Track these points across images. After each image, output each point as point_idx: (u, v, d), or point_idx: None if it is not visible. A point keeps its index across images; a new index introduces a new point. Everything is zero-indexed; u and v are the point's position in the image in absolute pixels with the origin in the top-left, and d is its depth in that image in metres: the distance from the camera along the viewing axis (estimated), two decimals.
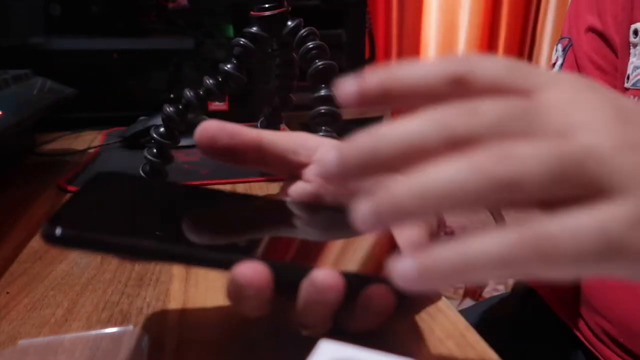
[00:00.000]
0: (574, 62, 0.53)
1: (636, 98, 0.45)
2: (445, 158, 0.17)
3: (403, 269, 0.17)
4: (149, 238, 0.23)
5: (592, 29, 0.52)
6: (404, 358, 0.18)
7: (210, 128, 0.28)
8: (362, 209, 0.18)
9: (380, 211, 0.17)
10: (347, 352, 0.18)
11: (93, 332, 0.28)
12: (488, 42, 1.66)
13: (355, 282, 0.23)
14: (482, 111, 0.17)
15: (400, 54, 1.66)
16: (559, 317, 0.56)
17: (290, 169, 0.31)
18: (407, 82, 0.19)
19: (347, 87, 0.19)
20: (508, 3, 1.61)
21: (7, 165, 0.60)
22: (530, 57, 1.71)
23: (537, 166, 0.16)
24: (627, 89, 0.47)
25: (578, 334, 0.53)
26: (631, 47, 0.47)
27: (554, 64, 0.56)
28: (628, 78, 0.47)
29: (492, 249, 0.17)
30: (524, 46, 1.69)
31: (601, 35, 0.51)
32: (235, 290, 0.22)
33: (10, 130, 0.48)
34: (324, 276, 0.22)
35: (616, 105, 0.19)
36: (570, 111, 0.18)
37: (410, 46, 1.65)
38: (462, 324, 0.29)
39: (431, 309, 0.31)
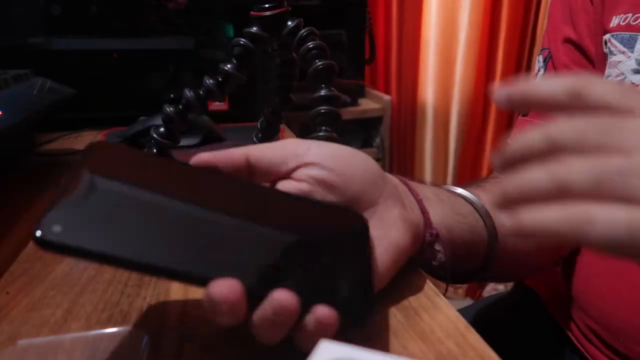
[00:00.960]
0: (553, 73, 0.54)
1: None
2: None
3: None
4: (128, 253, 0.23)
5: (568, 40, 0.53)
6: (404, 358, 0.18)
7: (202, 160, 0.30)
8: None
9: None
10: (347, 352, 0.18)
11: (93, 332, 0.28)
12: (488, 42, 1.66)
13: (308, 299, 0.24)
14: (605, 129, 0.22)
15: (400, 54, 1.66)
16: (553, 318, 0.56)
17: (282, 178, 0.32)
18: (539, 94, 0.24)
19: (501, 93, 0.25)
20: (508, 3, 1.61)
21: (8, 165, 0.60)
22: (530, 57, 1.71)
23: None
24: None
25: (570, 334, 0.53)
26: (605, 58, 0.48)
27: (536, 74, 0.57)
28: None
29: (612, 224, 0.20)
30: (524, 46, 1.69)
31: (577, 46, 0.52)
32: (211, 306, 0.23)
33: (10, 130, 0.48)
34: (280, 298, 0.23)
35: None
36: None
37: (410, 46, 1.65)
38: (462, 324, 0.29)
39: (431, 308, 0.31)
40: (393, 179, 0.34)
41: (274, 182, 0.32)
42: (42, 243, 0.22)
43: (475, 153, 1.79)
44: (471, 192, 0.43)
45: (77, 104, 0.67)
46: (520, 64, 1.72)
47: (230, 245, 0.26)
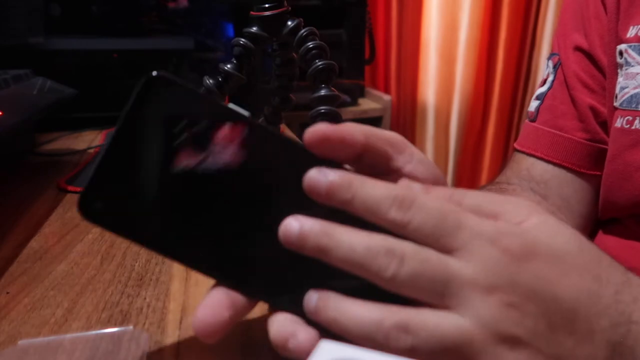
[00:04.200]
0: (563, 80, 0.53)
1: (624, 118, 0.45)
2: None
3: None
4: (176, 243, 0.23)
5: (579, 48, 0.51)
6: (404, 358, 0.18)
7: (317, 135, 0.25)
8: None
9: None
10: (347, 352, 0.18)
11: (93, 332, 0.28)
12: (488, 42, 1.66)
13: None
14: (403, 268, 0.22)
15: (400, 54, 1.66)
16: None
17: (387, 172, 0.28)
18: (363, 204, 0.23)
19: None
20: (508, 3, 1.61)
21: (7, 165, 0.60)
22: (530, 57, 1.71)
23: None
24: (616, 108, 0.47)
25: None
26: (618, 68, 0.47)
27: (545, 79, 0.55)
28: (616, 97, 0.46)
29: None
30: (524, 46, 1.69)
31: (588, 55, 0.51)
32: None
33: (10, 130, 0.48)
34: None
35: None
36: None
37: (410, 46, 1.65)
38: None
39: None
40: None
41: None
42: (86, 214, 0.22)
43: (475, 153, 1.79)
44: None
45: (77, 104, 0.67)
46: (520, 64, 1.72)
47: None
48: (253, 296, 0.24)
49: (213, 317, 0.23)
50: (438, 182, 0.27)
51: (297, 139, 0.25)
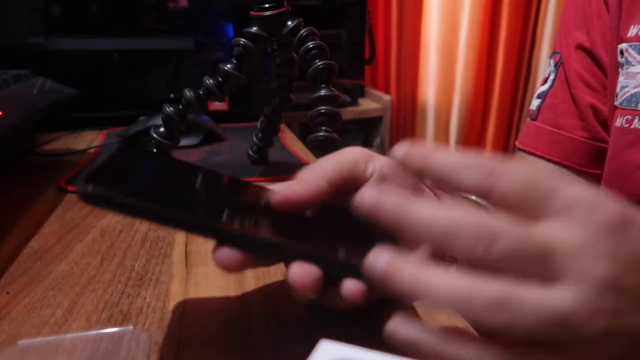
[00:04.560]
0: (564, 79, 0.53)
1: (624, 117, 0.45)
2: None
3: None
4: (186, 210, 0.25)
5: (580, 47, 0.51)
6: (404, 358, 0.18)
7: (282, 200, 0.28)
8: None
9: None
10: (347, 352, 0.18)
11: (93, 332, 0.28)
12: (488, 42, 1.66)
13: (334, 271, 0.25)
14: (495, 248, 0.21)
15: (400, 54, 1.66)
16: None
17: (359, 179, 0.30)
18: (439, 169, 0.23)
19: (398, 151, 0.23)
20: (508, 3, 1.61)
21: (7, 165, 0.60)
22: (530, 57, 1.71)
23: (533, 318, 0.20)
24: (616, 108, 0.46)
25: None
26: (619, 67, 0.47)
27: (547, 78, 0.55)
28: (617, 97, 0.46)
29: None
30: (524, 46, 1.69)
31: (590, 54, 0.51)
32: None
33: (10, 130, 0.48)
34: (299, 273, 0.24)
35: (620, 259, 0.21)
36: (571, 263, 0.21)
37: (410, 46, 1.65)
38: (462, 323, 0.29)
39: (431, 308, 0.31)
40: (426, 190, 0.34)
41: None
42: (84, 194, 0.23)
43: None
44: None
45: (77, 104, 0.67)
46: (520, 64, 1.72)
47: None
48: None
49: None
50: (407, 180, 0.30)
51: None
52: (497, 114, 1.74)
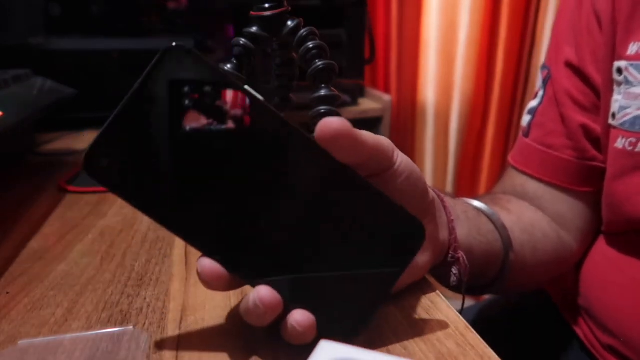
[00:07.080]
0: (553, 96, 0.51)
1: (627, 139, 0.44)
2: None
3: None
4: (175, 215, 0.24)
5: (569, 64, 0.50)
6: (404, 358, 0.18)
7: (328, 132, 0.26)
8: None
9: None
10: (347, 352, 0.18)
11: (93, 332, 0.28)
12: (488, 42, 1.66)
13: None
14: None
15: (400, 54, 1.66)
16: (555, 317, 0.56)
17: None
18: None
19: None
20: (508, 3, 1.61)
21: (7, 165, 0.60)
22: (530, 57, 1.71)
23: None
24: (611, 126, 0.45)
25: (578, 331, 0.53)
26: (615, 85, 0.45)
27: (537, 93, 0.54)
28: (614, 116, 0.45)
29: None
30: (524, 46, 1.69)
31: (578, 72, 0.49)
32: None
33: (10, 130, 0.48)
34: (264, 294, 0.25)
35: None
36: None
37: (410, 46, 1.65)
38: (462, 324, 0.29)
39: (431, 308, 0.31)
40: (432, 193, 0.33)
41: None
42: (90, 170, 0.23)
43: (475, 153, 1.79)
44: (491, 209, 0.45)
45: (77, 104, 0.67)
46: (520, 64, 1.72)
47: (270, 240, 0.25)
48: (234, 270, 0.25)
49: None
50: (417, 177, 0.30)
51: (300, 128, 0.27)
52: (497, 114, 1.74)
